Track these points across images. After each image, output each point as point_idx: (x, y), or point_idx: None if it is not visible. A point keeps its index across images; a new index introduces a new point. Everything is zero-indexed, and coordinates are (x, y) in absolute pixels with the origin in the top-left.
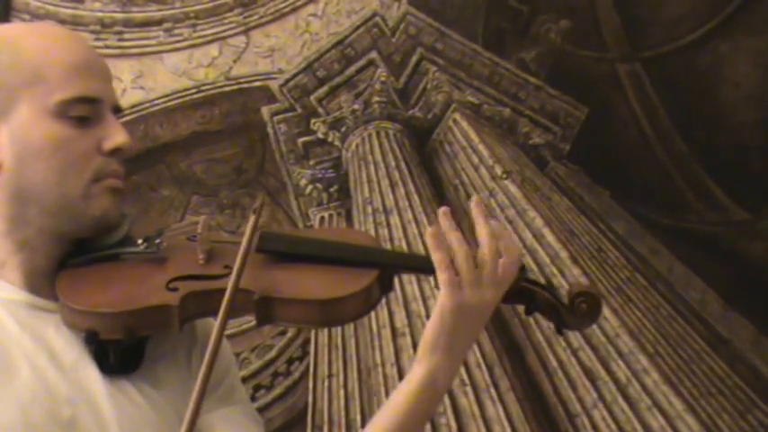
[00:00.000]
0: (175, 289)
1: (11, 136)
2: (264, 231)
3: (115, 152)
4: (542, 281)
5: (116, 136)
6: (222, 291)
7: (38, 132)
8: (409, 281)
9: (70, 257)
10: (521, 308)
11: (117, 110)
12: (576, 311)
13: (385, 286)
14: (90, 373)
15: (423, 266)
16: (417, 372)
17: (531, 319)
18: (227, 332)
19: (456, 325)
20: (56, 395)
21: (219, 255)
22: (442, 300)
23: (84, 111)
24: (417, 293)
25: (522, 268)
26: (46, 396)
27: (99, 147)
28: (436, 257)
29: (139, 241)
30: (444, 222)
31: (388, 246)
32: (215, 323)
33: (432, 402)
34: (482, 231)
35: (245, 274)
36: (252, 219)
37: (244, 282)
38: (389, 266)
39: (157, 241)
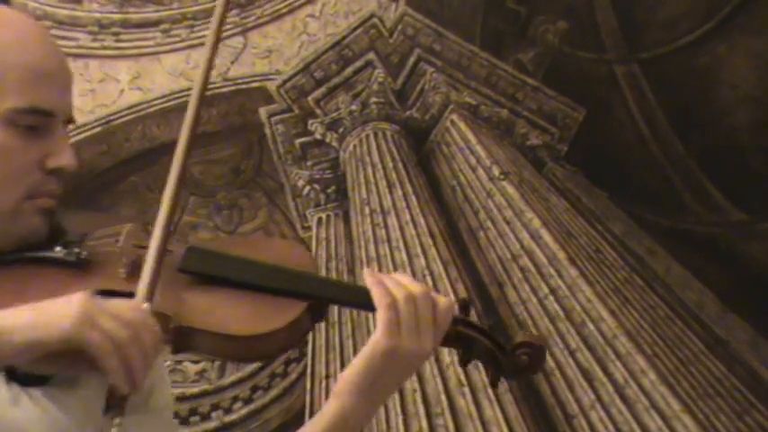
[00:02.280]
0: None
1: None
2: (191, 248)
3: (57, 171)
4: (481, 325)
5: (62, 155)
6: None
7: None
8: None
9: None
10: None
11: (70, 121)
12: (515, 361)
13: (316, 316)
14: None
15: (361, 302)
16: (331, 407)
17: (528, 321)
18: None
19: (384, 369)
20: None
21: (144, 270)
22: (376, 340)
23: (35, 122)
24: None
25: (464, 307)
26: None
27: (41, 163)
28: (378, 294)
29: (57, 248)
30: (373, 272)
31: (386, 249)
32: None
33: None
34: (399, 281)
35: (163, 294)
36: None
37: (162, 305)
38: (321, 299)
39: (76, 250)
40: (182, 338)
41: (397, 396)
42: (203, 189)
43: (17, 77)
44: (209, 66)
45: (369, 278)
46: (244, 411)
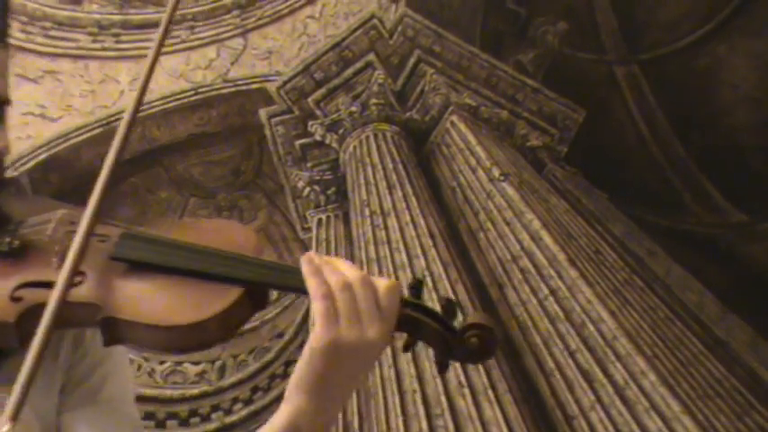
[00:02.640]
0: (19, 299)
1: None
2: (125, 233)
3: None
4: (430, 306)
5: None
6: (74, 304)
7: None
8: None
9: None
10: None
11: (5, 102)
12: (465, 344)
13: (258, 302)
14: None
15: (302, 287)
16: (281, 413)
17: (528, 322)
18: None
19: (328, 366)
20: None
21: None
22: (313, 335)
23: None
24: None
25: (415, 287)
26: None
27: None
28: (312, 284)
29: None
30: (313, 256)
31: (386, 250)
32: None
33: None
34: (337, 268)
35: (95, 283)
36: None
37: (92, 294)
38: (258, 284)
39: (8, 239)
40: (110, 330)
41: (397, 397)
42: (203, 190)
43: None
44: (147, 83)
45: (305, 267)
46: (244, 412)
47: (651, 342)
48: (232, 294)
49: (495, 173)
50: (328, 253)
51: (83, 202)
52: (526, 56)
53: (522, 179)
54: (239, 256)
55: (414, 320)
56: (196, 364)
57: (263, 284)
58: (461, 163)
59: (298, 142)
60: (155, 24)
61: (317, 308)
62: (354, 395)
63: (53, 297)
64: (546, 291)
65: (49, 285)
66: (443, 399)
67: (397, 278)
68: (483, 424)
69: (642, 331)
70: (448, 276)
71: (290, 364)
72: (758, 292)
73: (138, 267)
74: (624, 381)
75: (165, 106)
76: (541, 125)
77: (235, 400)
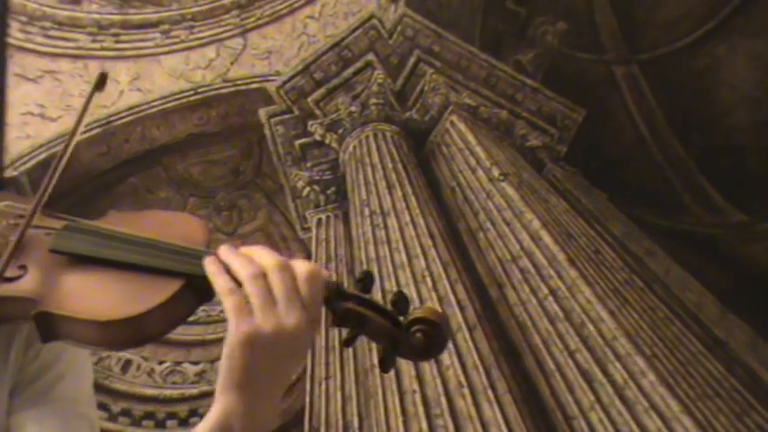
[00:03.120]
0: None
1: None
2: (66, 226)
3: None
4: (375, 300)
5: None
6: (9, 299)
7: None
8: (406, 282)
9: None
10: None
11: None
12: (411, 341)
13: (201, 295)
14: None
15: None
16: (211, 413)
17: (528, 322)
18: (223, 334)
19: (249, 360)
20: None
21: (22, 249)
22: (229, 331)
23: None
24: (414, 295)
25: (363, 280)
26: None
27: None
28: (218, 282)
29: None
30: (225, 250)
31: (385, 250)
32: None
33: None
34: (250, 258)
35: (35, 276)
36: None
37: (30, 288)
38: (199, 277)
39: None
40: (45, 325)
41: (396, 397)
42: (203, 190)
43: None
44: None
45: (209, 268)
46: None
47: (651, 342)
48: (171, 287)
49: (495, 173)
50: (328, 253)
51: (83, 202)
52: (525, 56)
53: (522, 179)
54: (183, 249)
55: (357, 314)
56: (196, 363)
57: (204, 277)
58: (461, 163)
59: (297, 142)
60: (154, 24)
61: (226, 305)
62: (354, 395)
63: None
64: (545, 290)
65: None
66: (443, 399)
67: (396, 278)
68: (483, 424)
69: (642, 331)
70: (447, 276)
71: None
72: (758, 293)
73: (80, 261)
74: (624, 381)
75: (165, 106)
76: (541, 125)
77: None
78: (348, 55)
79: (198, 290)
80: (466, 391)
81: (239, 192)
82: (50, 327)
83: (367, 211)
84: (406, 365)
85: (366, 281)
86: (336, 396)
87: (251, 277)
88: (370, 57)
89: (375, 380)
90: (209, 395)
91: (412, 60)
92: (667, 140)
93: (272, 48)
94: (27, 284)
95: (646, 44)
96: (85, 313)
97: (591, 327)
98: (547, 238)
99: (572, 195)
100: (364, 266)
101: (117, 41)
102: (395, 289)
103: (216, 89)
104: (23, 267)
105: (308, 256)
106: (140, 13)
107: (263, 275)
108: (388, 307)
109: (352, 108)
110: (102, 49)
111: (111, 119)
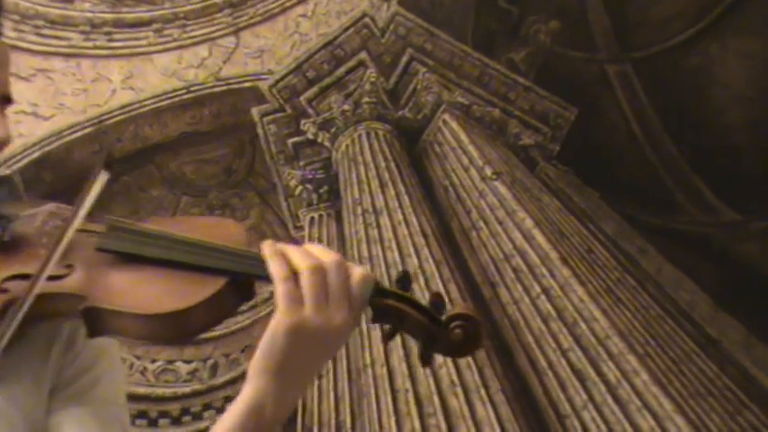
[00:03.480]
0: (5, 290)
1: None
2: (111, 226)
3: None
4: (414, 297)
5: None
6: (57, 295)
7: None
8: None
9: None
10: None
11: (7, 100)
12: (448, 336)
13: (243, 293)
14: None
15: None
16: (244, 393)
17: (520, 321)
18: (215, 333)
19: (291, 348)
20: None
21: (69, 249)
22: (276, 317)
23: None
24: None
25: (401, 280)
26: None
27: None
28: (273, 265)
29: None
30: (284, 245)
31: (378, 248)
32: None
33: (259, 430)
34: (309, 252)
35: (82, 274)
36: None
37: (77, 285)
38: (242, 275)
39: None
40: (93, 320)
41: (389, 396)
42: (195, 189)
43: None
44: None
45: (265, 249)
46: None
47: (643, 341)
48: (216, 284)
49: (488, 171)
50: None
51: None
52: (518, 54)
53: (515, 178)
54: (225, 248)
55: (398, 311)
56: (188, 362)
57: (247, 275)
58: (453, 161)
59: (290, 141)
60: (146, 23)
61: (278, 290)
62: (347, 394)
63: (28, 288)
64: (538, 289)
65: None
66: (436, 398)
67: (389, 277)
68: (475, 423)
69: (634, 330)
70: (440, 275)
71: None
72: (750, 291)
73: (125, 259)
74: (616, 379)
75: (158, 105)
76: (533, 123)
77: (227, 399)
78: (341, 54)
79: (240, 288)
80: (459, 389)
81: (232, 190)
82: (98, 321)
83: (360, 210)
84: (398, 364)
85: (404, 280)
86: (329, 395)
87: (310, 270)
88: (363, 55)
89: (367, 379)
90: (200, 394)
91: (404, 59)
92: (660, 139)
93: (265, 46)
94: (74, 282)
95: (638, 43)
96: (133, 308)
97: (583, 325)
98: (539, 237)
99: (564, 194)
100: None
101: (110, 40)
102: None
103: (208, 88)
104: (70, 266)
105: None
106: (133, 12)
107: (321, 270)
108: (427, 305)
109: (345, 107)
110: (95, 47)
111: (104, 117)
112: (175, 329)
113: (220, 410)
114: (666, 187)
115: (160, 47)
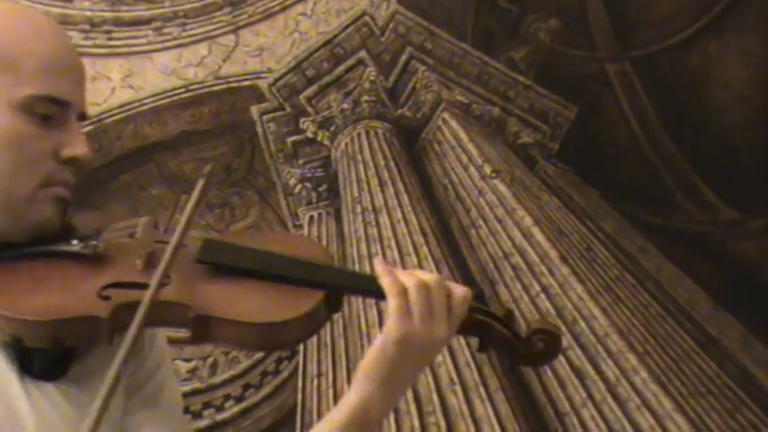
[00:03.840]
0: (107, 298)
1: None
2: (207, 239)
3: (71, 161)
4: (498, 313)
5: (77, 145)
6: (158, 303)
7: None
8: None
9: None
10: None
11: (83, 117)
12: (531, 348)
13: (333, 306)
14: (7, 373)
15: (376, 290)
16: (351, 397)
17: (520, 319)
18: None
19: (399, 357)
20: None
21: (161, 259)
22: (389, 328)
23: (51, 110)
24: None
25: (479, 297)
26: None
27: (56, 152)
28: (386, 282)
29: (74, 241)
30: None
31: (377, 247)
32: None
33: None
34: (412, 272)
35: (181, 285)
36: (183, 221)
37: (178, 294)
38: (337, 288)
39: (93, 243)
40: (201, 328)
41: None
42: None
43: (35, 66)
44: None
45: (379, 267)
46: (236, 409)
47: (643, 339)
48: (316, 296)
49: (487, 170)
50: None
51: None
52: (518, 53)
53: (514, 176)
54: (315, 262)
55: (484, 325)
56: (188, 361)
57: (342, 288)
58: (453, 160)
59: (289, 139)
60: (146, 21)
61: (392, 304)
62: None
63: (147, 295)
64: (537, 288)
65: (134, 286)
66: (435, 396)
67: None
68: (475, 421)
69: (634, 328)
70: (439, 273)
71: (281, 360)
72: (750, 290)
73: (221, 271)
74: (616, 378)
75: (157, 103)
76: (533, 122)
77: (226, 398)
78: (340, 52)
79: (331, 302)
80: (458, 388)
81: (231, 189)
82: (205, 329)
83: (359, 209)
84: None
85: (483, 296)
86: (329, 393)
87: (417, 287)
88: (363, 54)
89: None
90: (200, 392)
91: (404, 58)
92: (660, 138)
93: (264, 45)
94: (176, 291)
95: (638, 41)
96: (242, 316)
97: (583, 324)
98: (539, 236)
99: (564, 192)
100: (356, 264)
101: (109, 38)
102: None
103: (208, 86)
104: (168, 276)
105: None
106: (132, 11)
107: (426, 287)
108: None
109: (344, 105)
110: (95, 46)
111: (103, 116)
112: (277, 338)
113: (220, 409)
114: (666, 186)
115: (159, 45)
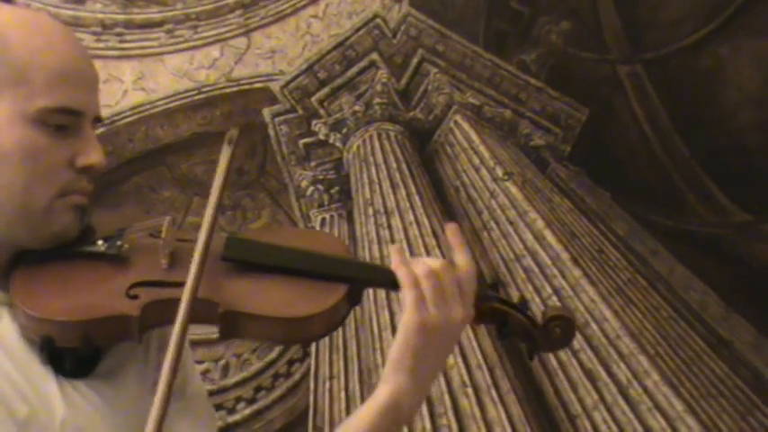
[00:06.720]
0: (135, 296)
1: None
2: (230, 236)
3: (87, 169)
4: (514, 300)
5: (92, 153)
6: (198, 301)
7: (11, 136)
8: None
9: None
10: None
11: (98, 120)
12: (549, 335)
13: (354, 300)
14: (43, 372)
15: (393, 281)
16: (381, 393)
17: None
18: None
19: (423, 345)
20: (11, 392)
21: (185, 257)
22: (407, 318)
23: (65, 121)
24: None
25: (494, 287)
26: (3, 392)
27: (72, 161)
28: (401, 273)
29: (99, 242)
30: (402, 255)
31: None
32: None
33: (395, 427)
34: (419, 260)
35: (206, 283)
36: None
37: (206, 292)
38: (359, 281)
39: (118, 243)
40: (230, 323)
41: None
42: (207, 189)
43: (46, 77)
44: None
45: (395, 257)
46: (247, 412)
47: (654, 341)
48: (339, 291)
49: (499, 172)
50: None
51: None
52: (529, 55)
53: (526, 178)
54: (336, 257)
55: (502, 313)
56: (199, 363)
57: (363, 282)
58: (465, 162)
59: (301, 141)
60: (157, 24)
61: (406, 294)
62: (357, 395)
63: (185, 294)
64: (549, 290)
65: (160, 284)
66: (447, 398)
67: None
68: (486, 423)
69: (645, 330)
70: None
71: (293, 363)
72: (762, 292)
73: (247, 267)
74: (627, 380)
75: (169, 105)
76: (545, 124)
77: (238, 400)
78: (352, 54)
79: (352, 296)
80: (469, 390)
81: (243, 191)
82: (233, 325)
83: (371, 211)
84: None
85: (498, 286)
86: (340, 396)
87: (427, 275)
88: (374, 56)
89: (378, 379)
90: (212, 394)
91: (416, 60)
92: (671, 140)
93: (276, 47)
94: (203, 289)
95: (649, 44)
96: (269, 311)
97: (594, 326)
98: (550, 238)
99: (576, 195)
100: None
101: (121, 41)
102: None
103: (220, 89)
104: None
105: None
106: (144, 13)
107: (435, 274)
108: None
109: (356, 107)
110: (107, 48)
111: (115, 118)
112: (302, 333)
113: (231, 411)
114: (678, 188)
115: (171, 48)
